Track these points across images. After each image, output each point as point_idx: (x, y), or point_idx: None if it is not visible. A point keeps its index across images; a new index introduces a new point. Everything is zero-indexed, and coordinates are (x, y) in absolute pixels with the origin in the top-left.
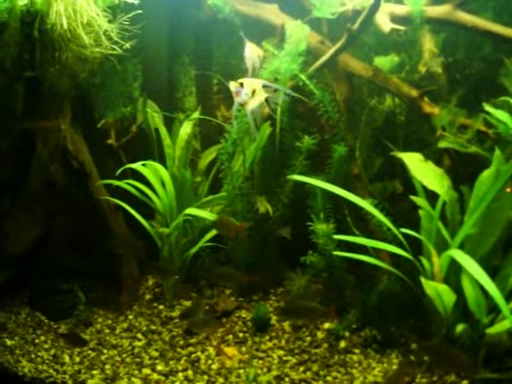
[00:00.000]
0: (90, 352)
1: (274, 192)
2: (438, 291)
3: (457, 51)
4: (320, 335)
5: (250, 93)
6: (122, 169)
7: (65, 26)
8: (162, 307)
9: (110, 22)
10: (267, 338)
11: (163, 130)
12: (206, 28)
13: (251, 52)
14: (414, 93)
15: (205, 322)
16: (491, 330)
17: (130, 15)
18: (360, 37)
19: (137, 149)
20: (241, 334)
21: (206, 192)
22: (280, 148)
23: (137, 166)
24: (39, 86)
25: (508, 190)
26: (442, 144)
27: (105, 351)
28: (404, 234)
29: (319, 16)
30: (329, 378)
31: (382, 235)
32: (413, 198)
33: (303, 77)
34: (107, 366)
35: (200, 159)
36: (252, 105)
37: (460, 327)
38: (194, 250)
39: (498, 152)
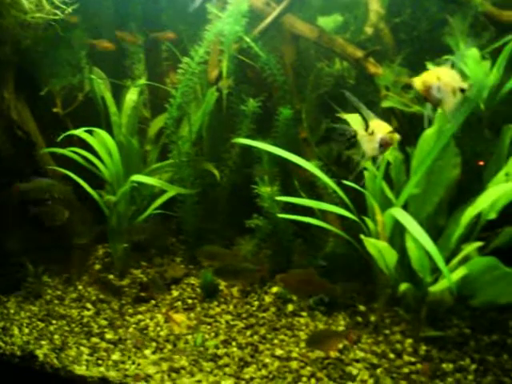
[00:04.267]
0: (39, 323)
1: (222, 157)
2: (379, 249)
3: (403, 12)
4: (268, 299)
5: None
6: (63, 135)
7: None
8: (111, 276)
9: None
10: (215, 303)
11: (109, 97)
12: None
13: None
14: (359, 53)
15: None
16: (433, 288)
17: None
18: None
19: (85, 117)
20: (190, 301)
21: (155, 160)
22: (228, 113)
23: (79, 132)
24: None
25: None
26: (385, 104)
27: (54, 322)
28: (351, 197)
29: None
30: (276, 341)
31: (329, 198)
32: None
33: (248, 39)
34: (56, 337)
35: (149, 127)
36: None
37: (403, 286)
38: (141, 217)
39: (439, 111)
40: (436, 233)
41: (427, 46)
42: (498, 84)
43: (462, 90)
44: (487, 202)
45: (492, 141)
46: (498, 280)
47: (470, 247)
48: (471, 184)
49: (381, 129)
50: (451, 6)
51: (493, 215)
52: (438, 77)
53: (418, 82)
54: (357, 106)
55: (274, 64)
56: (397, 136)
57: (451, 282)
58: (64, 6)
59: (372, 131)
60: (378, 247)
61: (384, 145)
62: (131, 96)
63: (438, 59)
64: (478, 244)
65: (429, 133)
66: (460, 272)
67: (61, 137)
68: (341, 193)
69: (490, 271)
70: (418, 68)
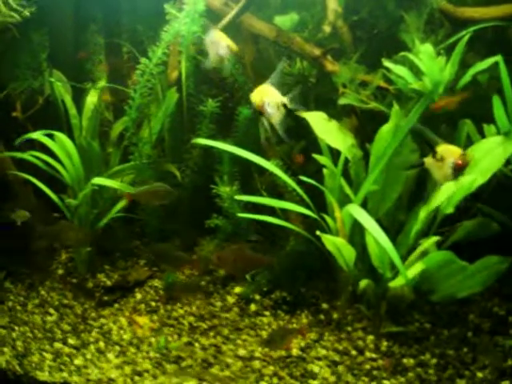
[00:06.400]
0: (1, 330)
1: (183, 158)
2: (337, 246)
3: (361, 10)
4: (231, 300)
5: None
6: (20, 139)
7: None
8: (74, 281)
9: None
10: (179, 305)
11: (68, 100)
12: None
13: (215, 38)
14: (317, 51)
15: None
16: (393, 284)
17: None
18: None
19: (47, 121)
20: (153, 303)
21: (117, 162)
22: (189, 114)
23: (37, 135)
24: None
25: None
26: (342, 101)
27: (16, 328)
28: (311, 195)
29: None
30: (239, 341)
31: (289, 196)
32: (316, 156)
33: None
34: (18, 343)
35: (111, 130)
36: (278, 118)
37: (363, 283)
38: (104, 221)
39: (396, 107)
40: (396, 229)
41: (385, 44)
42: (454, 79)
43: (285, 105)
44: (443, 196)
45: (449, 136)
46: (455, 274)
47: (428, 242)
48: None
49: (450, 153)
50: (407, 3)
51: (450, 210)
52: (267, 93)
53: (255, 97)
54: (421, 131)
55: (234, 64)
56: (469, 156)
57: (407, 278)
58: (21, 9)
59: (441, 157)
60: (336, 244)
61: (458, 169)
62: (91, 98)
63: (396, 56)
64: (436, 239)
65: (385, 129)
66: (417, 267)
67: (18, 140)
68: (300, 191)
69: (447, 265)
70: (377, 66)
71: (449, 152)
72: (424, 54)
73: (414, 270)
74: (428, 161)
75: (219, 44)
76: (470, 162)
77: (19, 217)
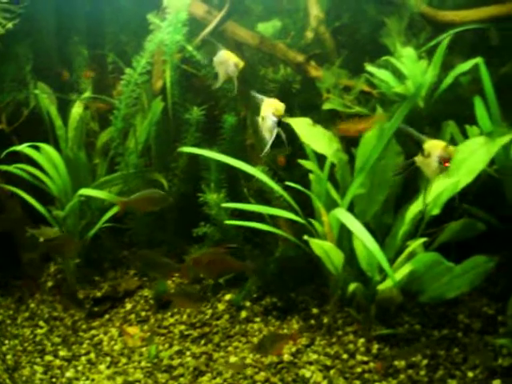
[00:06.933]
0: None
1: (170, 167)
2: (325, 250)
3: (343, 15)
4: (221, 307)
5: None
6: (6, 151)
7: None
8: (65, 292)
9: None
10: (169, 314)
11: (54, 112)
12: (95, 5)
13: (224, 58)
14: (300, 58)
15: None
16: (381, 286)
17: None
18: (248, 5)
19: (33, 133)
20: (143, 313)
21: (104, 173)
22: (175, 122)
23: (23, 148)
24: None
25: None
26: (326, 106)
27: (6, 342)
28: (298, 201)
29: None
30: (230, 349)
31: (276, 202)
32: (302, 162)
33: (190, 47)
34: (9, 357)
35: (97, 140)
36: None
37: (352, 286)
38: (92, 232)
39: (379, 111)
40: (384, 231)
41: (367, 48)
42: (436, 82)
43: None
44: (429, 197)
45: (433, 137)
46: (442, 275)
47: (415, 244)
48: (416, 181)
49: (435, 147)
50: (388, 8)
51: (436, 211)
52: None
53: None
54: (406, 131)
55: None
56: (452, 148)
57: (395, 280)
58: (5, 21)
59: (428, 153)
60: (324, 248)
61: (444, 161)
62: (77, 109)
63: (378, 60)
64: (423, 240)
65: (370, 133)
66: (405, 269)
67: (3, 153)
68: (287, 197)
69: (435, 266)
70: (358, 70)
71: (434, 147)
72: (406, 57)
73: (402, 272)
74: (418, 159)
75: (228, 63)
76: (453, 153)
77: (43, 234)
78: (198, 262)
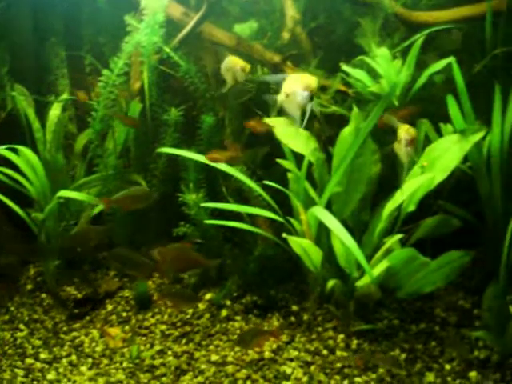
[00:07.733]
0: None
1: (149, 168)
2: (303, 248)
3: (319, 16)
4: (202, 306)
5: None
6: None
7: None
8: (44, 295)
9: None
10: (150, 314)
11: (31, 114)
12: (72, 6)
13: (231, 64)
14: (277, 58)
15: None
16: (360, 283)
17: None
18: (225, 6)
19: (10, 136)
20: (124, 314)
21: (83, 175)
22: (154, 123)
23: (1, 150)
24: None
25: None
26: None
27: None
28: (277, 200)
29: None
30: (211, 347)
31: (255, 201)
32: (279, 161)
33: (167, 49)
34: None
35: (76, 142)
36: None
37: (331, 283)
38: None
39: (355, 110)
40: (361, 228)
41: (343, 49)
42: (410, 81)
43: None
44: (405, 194)
45: None
46: (418, 270)
47: (392, 240)
48: (392, 179)
49: (403, 131)
50: (363, 8)
51: (412, 207)
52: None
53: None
54: (388, 121)
55: (195, 73)
56: (412, 129)
57: (372, 276)
58: None
59: (399, 138)
60: (302, 246)
61: (409, 143)
62: (54, 111)
63: (353, 60)
64: (399, 236)
65: (346, 132)
66: (382, 265)
67: None
68: (266, 196)
69: (411, 262)
70: (334, 69)
71: (402, 131)
72: (381, 57)
73: (380, 269)
74: (395, 146)
75: (235, 68)
76: (414, 133)
77: None
78: (162, 255)
